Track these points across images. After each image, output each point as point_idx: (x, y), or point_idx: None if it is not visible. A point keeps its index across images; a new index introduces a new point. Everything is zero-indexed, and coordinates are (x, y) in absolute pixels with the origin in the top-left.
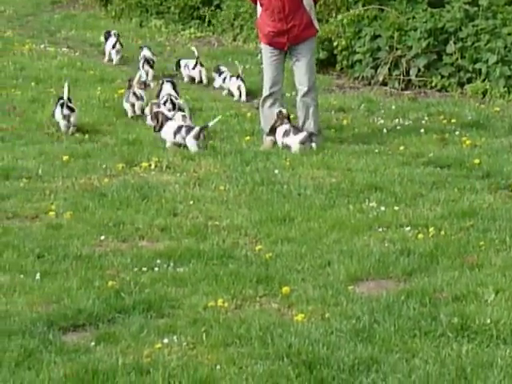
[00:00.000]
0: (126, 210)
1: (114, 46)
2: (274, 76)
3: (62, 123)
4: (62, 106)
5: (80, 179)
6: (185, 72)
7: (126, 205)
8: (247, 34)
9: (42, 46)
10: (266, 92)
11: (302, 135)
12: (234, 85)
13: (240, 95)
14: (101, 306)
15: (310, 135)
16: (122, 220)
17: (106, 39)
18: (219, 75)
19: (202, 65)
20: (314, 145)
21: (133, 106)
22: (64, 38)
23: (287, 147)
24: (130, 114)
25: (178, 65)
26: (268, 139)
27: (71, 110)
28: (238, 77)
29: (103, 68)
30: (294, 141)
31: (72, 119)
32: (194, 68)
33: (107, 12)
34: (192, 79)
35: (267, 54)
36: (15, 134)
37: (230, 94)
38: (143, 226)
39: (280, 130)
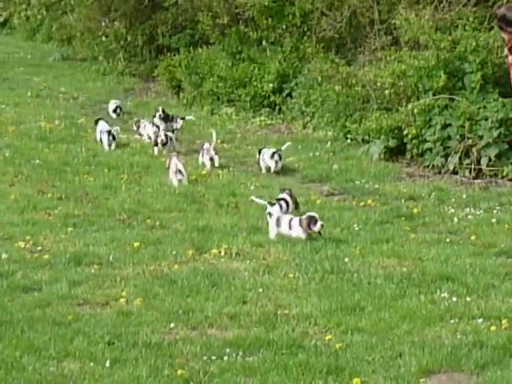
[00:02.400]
0: (195, 297)
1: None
2: None
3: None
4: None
5: (150, 266)
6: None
7: (196, 292)
8: (317, 121)
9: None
10: None
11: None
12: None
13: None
14: None
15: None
16: (191, 307)
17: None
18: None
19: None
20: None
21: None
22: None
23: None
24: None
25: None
26: None
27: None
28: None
29: None
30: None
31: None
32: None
33: (179, 100)
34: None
35: None
36: (87, 220)
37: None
38: (212, 314)
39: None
